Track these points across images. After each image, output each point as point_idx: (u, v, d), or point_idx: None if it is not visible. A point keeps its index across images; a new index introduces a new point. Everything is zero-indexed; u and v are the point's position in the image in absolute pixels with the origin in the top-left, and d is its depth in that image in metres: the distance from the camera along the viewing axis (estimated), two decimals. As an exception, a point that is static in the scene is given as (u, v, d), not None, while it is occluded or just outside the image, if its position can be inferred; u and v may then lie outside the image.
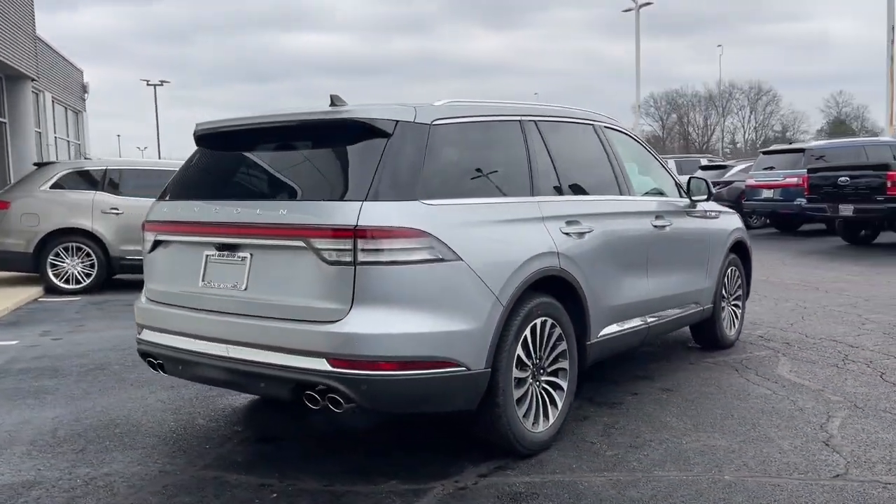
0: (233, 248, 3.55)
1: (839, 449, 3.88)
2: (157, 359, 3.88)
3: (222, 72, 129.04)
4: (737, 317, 6.37)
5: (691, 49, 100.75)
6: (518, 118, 4.20)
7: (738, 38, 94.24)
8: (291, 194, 3.56)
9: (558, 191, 4.24)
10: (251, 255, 3.50)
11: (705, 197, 5.67)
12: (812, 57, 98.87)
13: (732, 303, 6.28)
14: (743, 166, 18.58)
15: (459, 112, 3.83)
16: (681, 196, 5.63)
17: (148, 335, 3.93)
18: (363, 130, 3.44)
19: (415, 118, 3.54)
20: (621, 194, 4.84)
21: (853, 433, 4.10)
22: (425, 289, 3.29)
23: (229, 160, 3.94)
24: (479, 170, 3.90)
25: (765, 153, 17.01)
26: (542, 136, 4.27)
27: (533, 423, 3.80)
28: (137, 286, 4.49)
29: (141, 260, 4.12)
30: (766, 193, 15.81)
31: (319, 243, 3.25)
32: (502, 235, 3.69)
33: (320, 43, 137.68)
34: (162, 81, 49.45)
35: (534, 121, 4.28)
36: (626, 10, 39.35)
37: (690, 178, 5.74)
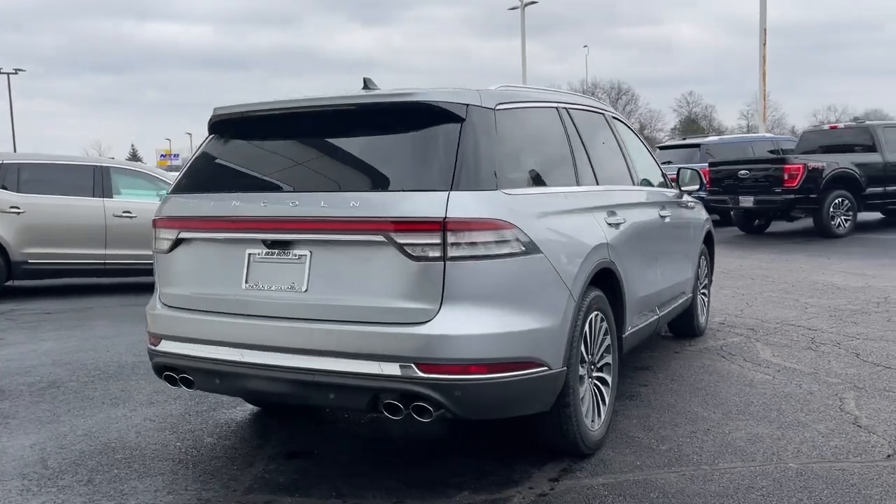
0: (285, 245, 3.19)
1: (873, 429, 3.98)
2: (181, 372, 3.44)
3: (71, 60, 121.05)
4: (705, 305, 6.51)
5: (553, 50, 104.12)
6: (555, 105, 4.05)
7: (596, 39, 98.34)
8: (360, 185, 3.22)
9: (595, 180, 4.12)
10: (310, 252, 3.15)
11: (697, 187, 5.74)
12: (664, 59, 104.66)
13: (701, 291, 6.41)
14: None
15: (513, 97, 3.64)
16: (668, 186, 5.67)
17: (170, 346, 3.47)
18: (434, 115, 3.17)
19: (481, 102, 3.30)
20: (633, 184, 4.80)
21: (873, 413, 4.23)
22: (513, 284, 3.08)
23: (272, 148, 3.55)
24: (535, 157, 3.71)
25: (661, 148, 17.71)
26: (575, 125, 4.14)
27: (592, 422, 3.67)
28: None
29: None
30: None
31: (402, 237, 2.96)
32: (571, 226, 3.53)
33: (180, 34, 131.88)
34: (17, 70, 45.53)
35: (566, 108, 4.14)
36: (512, 8, 40.65)
37: (680, 168, 5.80)
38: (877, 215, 15.50)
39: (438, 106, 3.17)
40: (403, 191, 3.04)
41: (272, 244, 3.22)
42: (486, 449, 3.83)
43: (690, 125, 71.45)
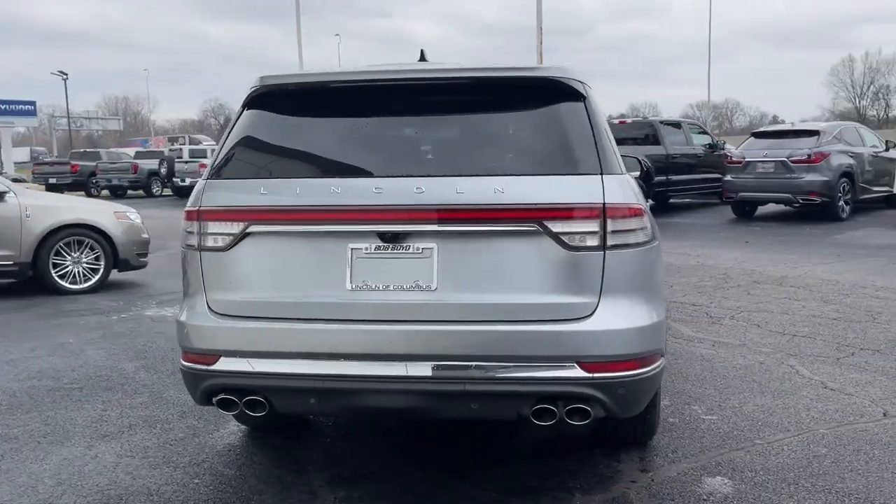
0: (404, 237, 2.77)
1: (847, 392, 4.41)
2: (249, 394, 2.86)
3: None
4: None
5: (292, 36, 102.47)
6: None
7: (330, 28, 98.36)
8: (492, 168, 2.86)
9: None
10: (436, 245, 2.76)
11: (638, 174, 5.90)
12: (395, 50, 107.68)
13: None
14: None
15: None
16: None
17: (234, 364, 2.87)
18: (559, 92, 2.94)
19: (587, 80, 3.12)
20: None
21: (830, 377, 4.69)
22: (652, 272, 2.96)
23: (363, 126, 3.04)
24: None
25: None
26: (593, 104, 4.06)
27: (654, 410, 3.66)
28: None
29: None
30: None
31: (558, 226, 2.71)
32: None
33: None
34: None
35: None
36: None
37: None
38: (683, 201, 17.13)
39: (563, 82, 2.94)
40: (555, 174, 2.77)
41: (390, 237, 2.77)
42: (547, 450, 3.65)
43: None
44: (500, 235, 2.75)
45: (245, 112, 3.11)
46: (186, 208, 3.01)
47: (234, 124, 3.11)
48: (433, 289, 2.76)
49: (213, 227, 2.92)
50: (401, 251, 2.78)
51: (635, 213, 2.82)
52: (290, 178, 2.89)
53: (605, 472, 3.35)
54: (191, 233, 2.98)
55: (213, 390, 2.92)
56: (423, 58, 3.26)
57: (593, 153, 2.82)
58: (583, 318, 2.73)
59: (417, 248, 2.77)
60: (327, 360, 2.78)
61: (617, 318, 2.75)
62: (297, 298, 2.85)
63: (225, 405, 2.94)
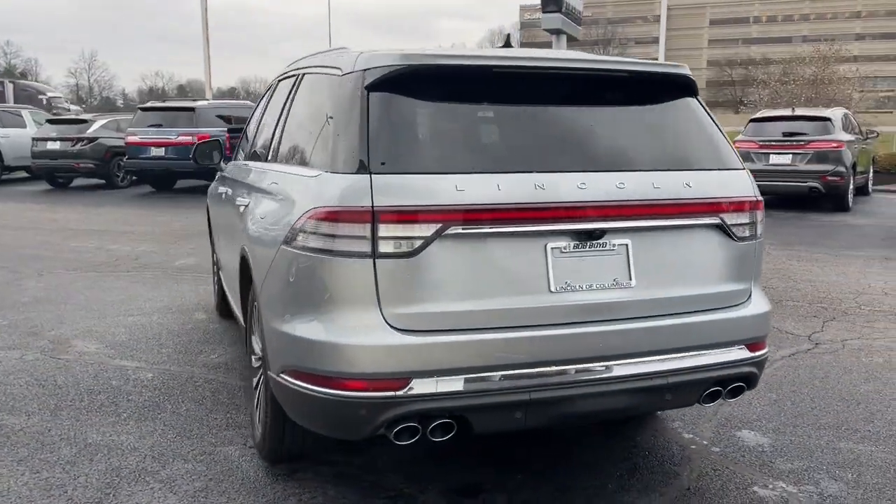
0: (600, 234, 2.69)
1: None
2: (442, 417, 2.56)
3: None
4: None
5: None
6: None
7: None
8: (664, 163, 2.87)
9: None
10: (629, 241, 2.75)
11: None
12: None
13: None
14: (104, 121, 17.37)
15: None
16: None
17: (429, 386, 2.52)
18: (686, 89, 3.08)
19: None
20: None
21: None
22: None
23: (521, 116, 2.80)
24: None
25: (144, 109, 16.39)
26: None
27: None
28: None
29: None
30: (157, 151, 15.44)
31: (732, 218, 2.90)
32: None
33: None
34: None
35: None
36: None
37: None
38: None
39: (688, 80, 3.08)
40: (709, 169, 2.92)
41: (584, 234, 2.67)
42: (599, 444, 3.78)
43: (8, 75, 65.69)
44: (685, 229, 2.83)
45: (376, 94, 2.68)
46: (334, 207, 2.52)
47: (364, 108, 2.65)
48: (632, 285, 2.74)
49: (396, 229, 2.50)
50: (598, 248, 2.70)
51: (763, 205, 3.10)
52: (487, 174, 2.60)
53: (667, 457, 3.62)
54: (355, 237, 2.51)
55: (402, 418, 2.53)
56: (507, 43, 3.11)
57: (729, 148, 3.03)
58: (743, 303, 2.96)
59: (613, 245, 2.72)
60: (535, 370, 2.60)
61: (761, 302, 3.03)
62: (496, 305, 2.59)
63: (404, 434, 2.57)
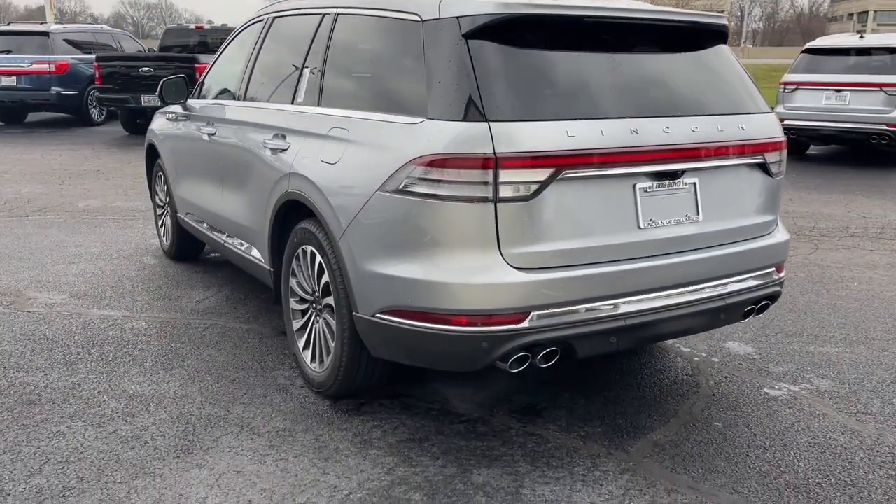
0: (678, 174, 3.01)
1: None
2: (557, 344, 2.83)
3: None
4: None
5: None
6: None
7: None
8: (718, 107, 3.17)
9: None
10: (697, 179, 3.08)
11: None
12: None
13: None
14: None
15: None
16: None
17: (545, 318, 2.76)
18: (721, 37, 3.40)
19: None
20: None
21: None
22: None
23: (601, 63, 2.99)
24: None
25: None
26: None
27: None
28: None
29: None
30: (7, 81, 14.08)
31: (771, 157, 3.29)
32: None
33: None
34: None
35: None
36: None
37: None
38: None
39: (727, 29, 3.40)
40: (751, 113, 3.28)
41: (665, 175, 2.97)
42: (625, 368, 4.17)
43: None
44: (738, 168, 3.20)
45: (476, 42, 2.80)
46: (452, 154, 2.66)
47: (466, 56, 2.77)
48: (699, 220, 3.08)
49: (517, 175, 2.68)
50: (674, 187, 3.01)
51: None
52: (590, 120, 2.80)
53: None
54: (475, 183, 2.66)
55: (519, 349, 2.75)
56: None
57: (758, 93, 3.41)
58: (773, 231, 3.40)
59: (685, 184, 3.04)
60: (629, 299, 2.90)
61: (783, 230, 3.48)
62: (597, 242, 2.85)
63: (516, 363, 2.81)
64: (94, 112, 14.89)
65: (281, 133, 3.73)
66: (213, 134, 4.62)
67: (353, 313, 3.10)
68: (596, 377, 3.81)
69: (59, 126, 15.02)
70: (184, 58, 12.98)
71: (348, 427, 3.25)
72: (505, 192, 2.68)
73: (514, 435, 3.20)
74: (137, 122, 14.05)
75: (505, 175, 2.67)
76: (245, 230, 4.20)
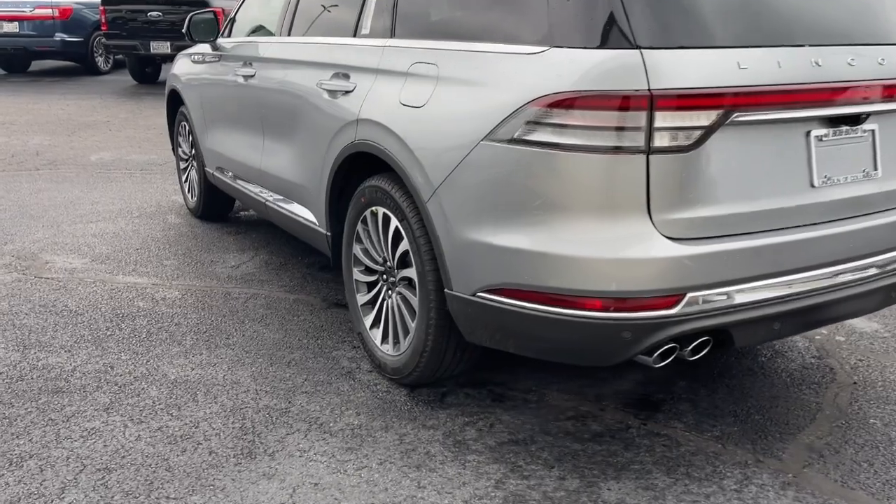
0: (858, 119, 2.42)
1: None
2: (712, 333, 2.28)
3: None
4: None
5: None
6: None
7: None
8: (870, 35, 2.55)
9: None
10: (877, 125, 2.49)
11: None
12: None
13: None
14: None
15: None
16: None
17: (702, 302, 2.20)
18: None
19: None
20: None
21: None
22: None
23: None
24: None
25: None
26: None
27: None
28: None
29: None
30: (9, 27, 13.36)
31: None
32: None
33: None
34: None
35: None
36: None
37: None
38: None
39: None
40: None
41: (843, 120, 2.38)
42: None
43: None
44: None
45: None
46: (590, 91, 2.08)
47: None
48: (878, 176, 2.50)
49: (677, 118, 2.10)
50: (852, 136, 2.43)
51: None
52: (764, 48, 2.21)
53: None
54: (625, 129, 2.09)
55: (669, 340, 2.21)
56: None
57: None
58: None
59: (863, 131, 2.45)
60: (800, 276, 2.34)
61: None
62: (763, 206, 2.28)
63: (663, 356, 2.27)
64: (100, 60, 14.16)
65: (342, 72, 3.13)
66: (251, 76, 4.01)
67: (446, 290, 2.56)
68: (704, 358, 3.28)
69: (65, 75, 14.30)
70: (196, 1, 12.20)
71: (435, 424, 2.73)
72: (660, 140, 2.11)
73: (636, 435, 2.68)
74: (146, 71, 13.37)
75: (661, 119, 2.09)
76: (294, 188, 3.63)
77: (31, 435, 2.62)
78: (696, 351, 2.31)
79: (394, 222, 2.83)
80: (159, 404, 2.84)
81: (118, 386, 2.97)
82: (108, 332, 3.46)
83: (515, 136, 2.24)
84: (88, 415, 2.76)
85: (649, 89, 2.07)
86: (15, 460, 2.46)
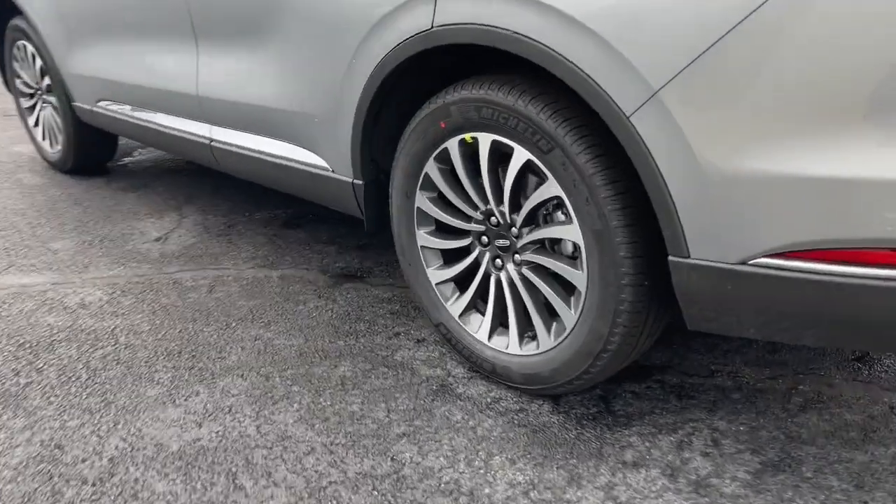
0: None
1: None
2: None
3: None
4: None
5: None
6: None
7: None
8: None
9: None
10: None
11: None
12: None
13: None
14: None
15: None
16: None
17: None
18: None
19: None
20: None
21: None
22: None
23: None
24: None
25: None
26: None
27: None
28: None
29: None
30: None
31: None
32: None
33: None
34: None
35: None
36: None
37: None
38: None
39: None
40: None
41: None
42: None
43: None
44: None
45: None
46: None
47: None
48: None
49: None
50: None
51: None
52: None
53: None
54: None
55: None
56: None
57: None
58: None
59: None
60: None
61: None
62: None
63: None
64: None
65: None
66: None
67: (673, 259, 1.57)
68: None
69: None
70: None
71: (637, 458, 1.78)
72: None
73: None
74: None
75: None
76: (280, 119, 2.42)
77: None
78: None
79: (520, 156, 1.78)
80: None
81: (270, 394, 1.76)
82: (15, 390, 2.16)
83: None
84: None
85: None
86: None
